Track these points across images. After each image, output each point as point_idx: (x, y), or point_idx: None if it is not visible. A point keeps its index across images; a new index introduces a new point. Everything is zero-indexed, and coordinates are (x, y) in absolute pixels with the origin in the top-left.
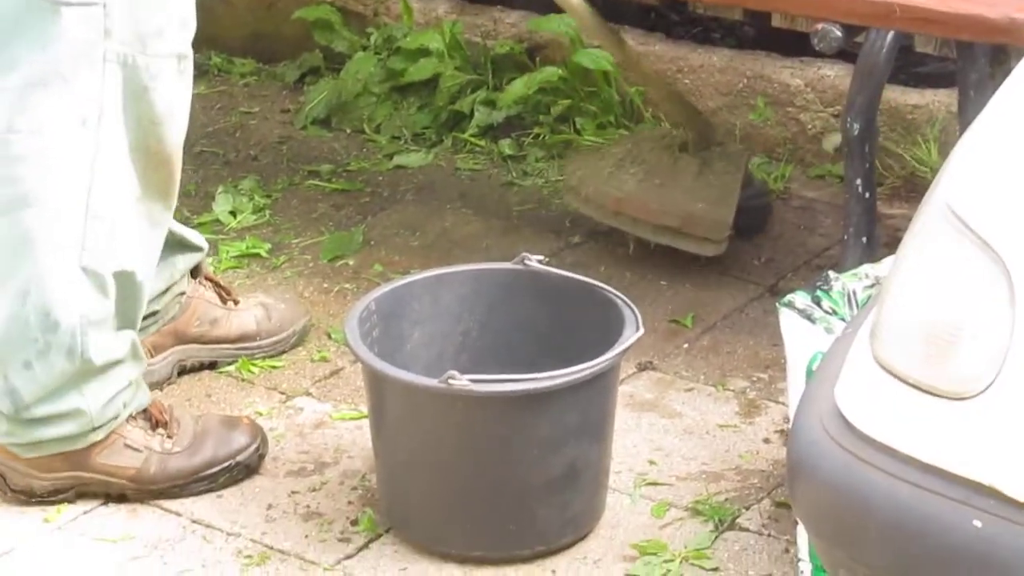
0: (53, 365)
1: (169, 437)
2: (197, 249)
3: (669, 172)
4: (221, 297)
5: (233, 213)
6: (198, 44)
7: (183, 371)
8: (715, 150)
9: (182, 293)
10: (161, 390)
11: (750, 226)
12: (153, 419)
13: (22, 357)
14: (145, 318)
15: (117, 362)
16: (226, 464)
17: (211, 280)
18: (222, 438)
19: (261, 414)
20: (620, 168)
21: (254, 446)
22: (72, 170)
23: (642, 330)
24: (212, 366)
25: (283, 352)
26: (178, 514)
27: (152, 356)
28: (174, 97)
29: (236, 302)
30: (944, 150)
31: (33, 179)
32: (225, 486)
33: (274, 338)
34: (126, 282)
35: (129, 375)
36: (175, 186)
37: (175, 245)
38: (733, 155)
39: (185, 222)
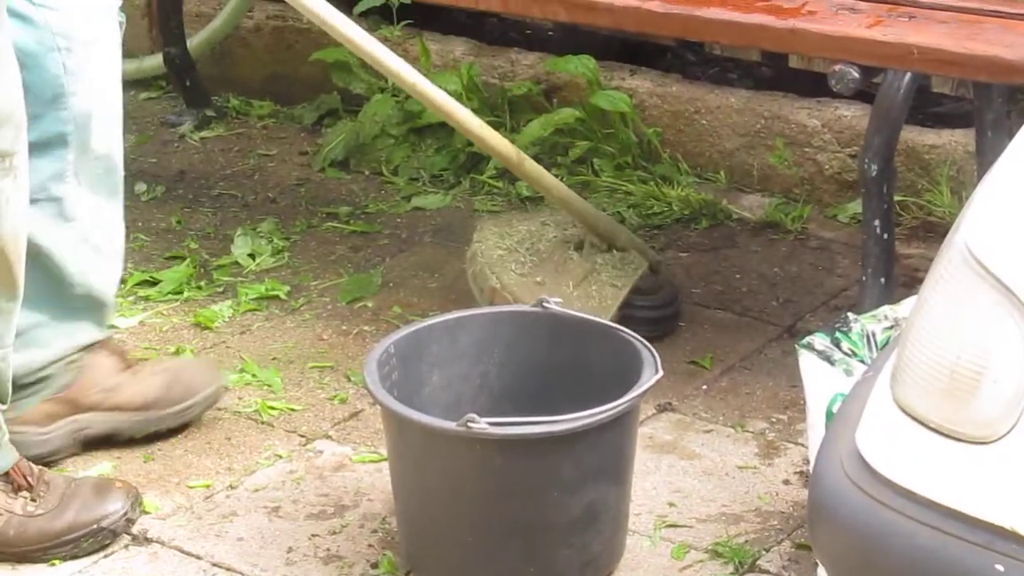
0: None
1: (33, 500)
2: (103, 329)
3: (554, 272)
4: (121, 363)
5: (252, 255)
6: (216, 86)
7: (89, 441)
8: (614, 255)
9: (75, 360)
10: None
11: (652, 335)
12: (15, 482)
13: None
14: (33, 384)
15: None
16: (89, 529)
17: (109, 348)
18: (88, 503)
19: (281, 457)
20: (512, 252)
21: (122, 512)
22: None
23: (661, 372)
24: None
25: (189, 421)
26: (199, 557)
27: (47, 424)
28: None
29: (135, 371)
30: (957, 191)
31: None
32: (90, 552)
33: (179, 406)
34: None
35: None
36: (13, 276)
37: (83, 311)
38: (629, 265)
39: (204, 264)
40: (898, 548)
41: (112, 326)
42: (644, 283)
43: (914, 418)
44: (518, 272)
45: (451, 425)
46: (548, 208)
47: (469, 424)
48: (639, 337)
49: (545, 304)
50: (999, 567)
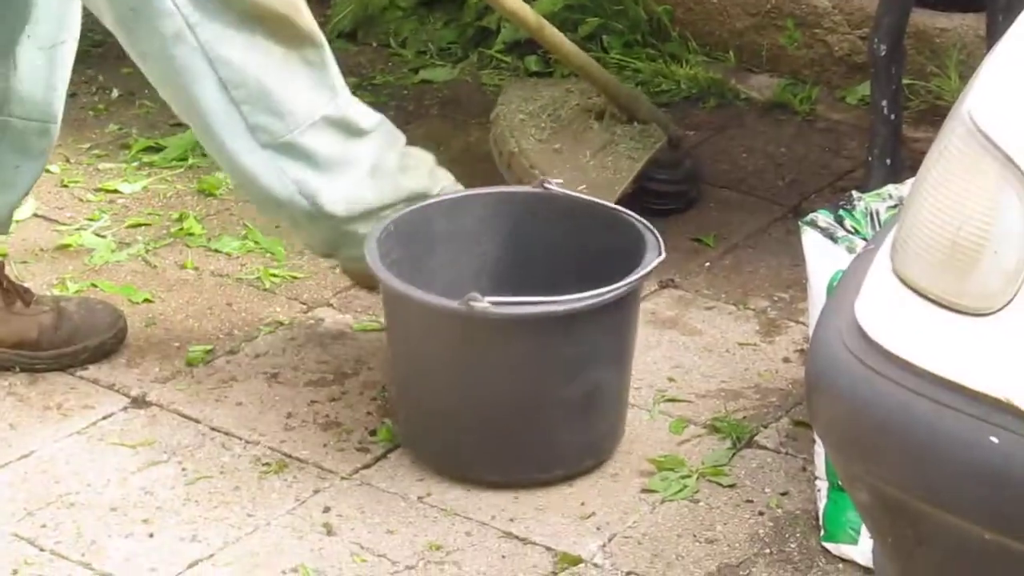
0: None
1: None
2: None
3: (573, 139)
4: (5, 297)
5: None
6: None
7: None
8: (634, 127)
9: None
10: None
11: (666, 209)
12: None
13: None
14: None
15: None
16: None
17: None
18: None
19: (282, 323)
20: (533, 117)
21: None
22: None
23: (664, 254)
24: None
25: (69, 367)
26: (197, 421)
27: None
28: None
29: (27, 304)
30: (967, 75)
31: None
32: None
33: (57, 351)
34: None
35: None
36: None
37: None
38: (648, 137)
39: None
40: (895, 419)
41: (116, 190)
42: (663, 156)
43: (914, 289)
44: (537, 138)
45: (452, 303)
46: (573, 77)
47: (471, 303)
48: (642, 219)
49: (547, 185)
50: (994, 439)
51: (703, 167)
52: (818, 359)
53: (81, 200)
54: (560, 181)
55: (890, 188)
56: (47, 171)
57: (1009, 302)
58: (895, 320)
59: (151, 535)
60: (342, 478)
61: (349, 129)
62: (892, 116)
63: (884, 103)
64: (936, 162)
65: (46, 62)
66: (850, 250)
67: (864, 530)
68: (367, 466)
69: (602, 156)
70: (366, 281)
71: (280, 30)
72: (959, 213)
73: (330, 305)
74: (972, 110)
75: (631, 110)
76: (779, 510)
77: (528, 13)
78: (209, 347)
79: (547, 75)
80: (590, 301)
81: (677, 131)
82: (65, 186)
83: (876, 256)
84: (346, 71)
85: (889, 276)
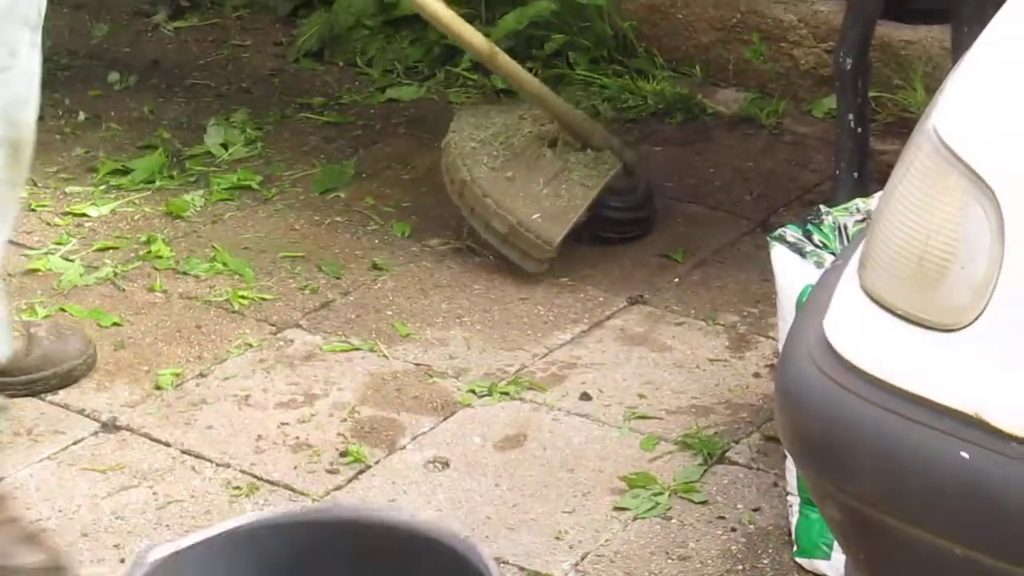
0: None
1: None
2: None
3: (526, 167)
4: None
5: (225, 146)
6: None
7: None
8: (588, 154)
9: None
10: None
11: (621, 237)
12: None
13: None
14: None
15: None
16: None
17: None
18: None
19: (251, 345)
20: (486, 145)
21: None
22: None
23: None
24: None
25: (40, 392)
26: (168, 444)
27: None
28: None
29: None
30: (933, 87)
31: None
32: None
33: (27, 377)
34: None
35: None
36: None
37: None
38: (602, 164)
39: (177, 154)
40: (864, 434)
41: (84, 213)
42: (618, 183)
43: (881, 305)
44: (490, 166)
45: None
46: (526, 102)
47: None
48: (480, 553)
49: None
50: (964, 454)
51: (658, 191)
52: (787, 375)
53: (49, 224)
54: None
55: (858, 202)
56: None
57: (977, 317)
58: (863, 335)
59: (122, 560)
60: (313, 500)
61: None
62: (859, 129)
63: (851, 116)
64: (902, 177)
65: None
66: (818, 265)
67: (836, 545)
68: (338, 488)
69: (556, 184)
70: None
71: None
72: (926, 228)
73: (299, 326)
74: (937, 125)
75: (585, 137)
76: (751, 526)
77: (480, 41)
78: (179, 370)
79: (513, 93)
80: None
81: (632, 157)
82: (33, 210)
83: (844, 271)
84: (313, 90)
85: (857, 291)
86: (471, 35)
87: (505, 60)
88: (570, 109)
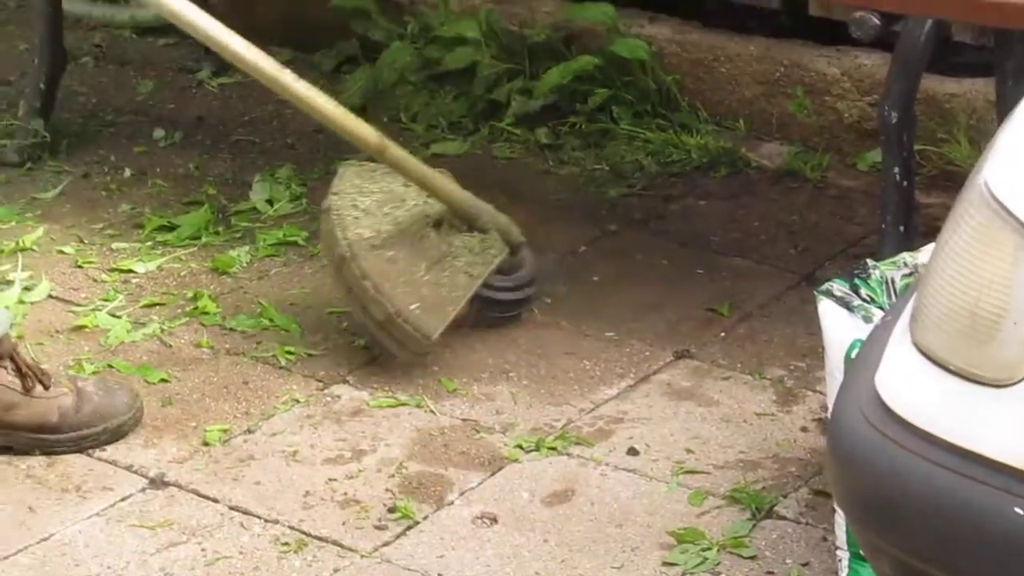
0: None
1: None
2: None
3: (409, 248)
4: (24, 381)
5: (270, 201)
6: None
7: None
8: (474, 237)
9: None
10: None
11: (502, 316)
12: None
13: None
14: None
15: None
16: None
17: (15, 361)
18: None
19: (298, 401)
20: (368, 215)
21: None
22: None
23: None
24: (8, 449)
25: (89, 448)
26: (216, 500)
27: None
28: None
29: (46, 387)
30: (977, 140)
31: None
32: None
33: (77, 433)
34: None
35: None
36: None
37: None
38: (488, 250)
39: (223, 210)
40: (917, 489)
41: (130, 269)
42: (502, 264)
43: (934, 361)
44: (371, 242)
45: None
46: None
47: None
48: None
49: None
50: (1018, 510)
51: (704, 237)
52: (839, 430)
53: (95, 280)
54: None
55: (905, 255)
56: (61, 252)
57: None
58: (915, 391)
59: None
60: (362, 556)
61: None
62: (904, 183)
63: (896, 170)
64: (953, 232)
65: None
66: (866, 319)
67: None
68: (386, 544)
69: (438, 271)
70: None
71: None
72: (977, 283)
73: (346, 382)
74: (989, 180)
75: (471, 219)
76: None
77: (370, 133)
78: (226, 426)
79: (557, 147)
80: None
81: (518, 238)
82: (79, 266)
83: (895, 326)
84: (357, 147)
85: (909, 347)
86: (359, 127)
87: (394, 152)
88: (458, 192)
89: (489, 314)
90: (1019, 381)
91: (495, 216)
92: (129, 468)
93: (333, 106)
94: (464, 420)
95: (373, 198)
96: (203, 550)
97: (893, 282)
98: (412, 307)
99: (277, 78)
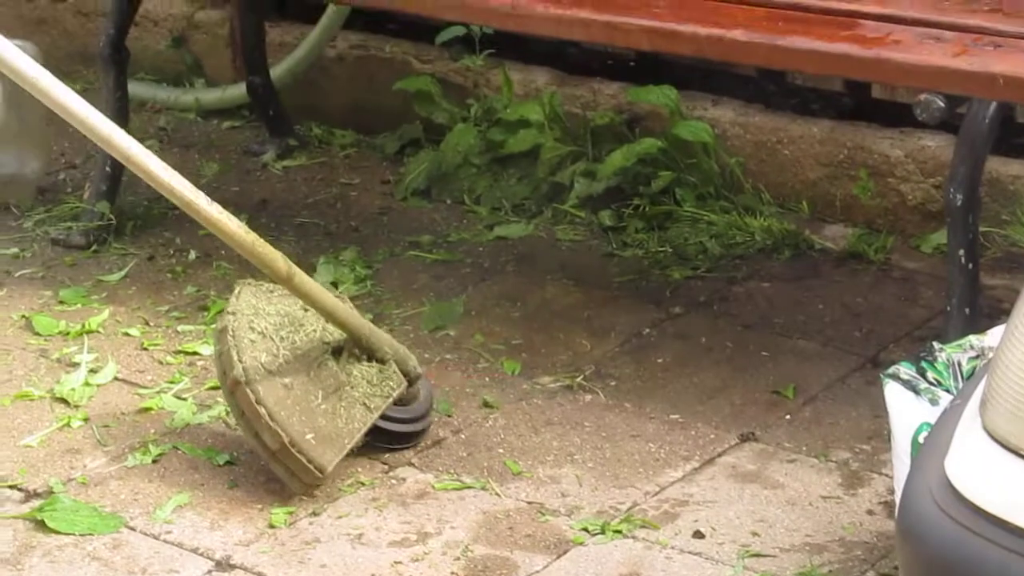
0: None
1: None
2: None
3: (306, 375)
4: None
5: (335, 284)
6: (299, 115)
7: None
8: (372, 367)
9: None
10: None
11: (396, 447)
12: None
13: None
14: None
15: None
16: None
17: None
18: None
19: (363, 484)
20: (265, 338)
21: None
22: None
23: None
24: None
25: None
26: None
27: None
28: None
29: None
30: None
31: None
32: None
33: None
34: None
35: None
36: None
37: None
38: (387, 382)
39: None
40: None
41: (195, 352)
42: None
43: (1005, 446)
44: (267, 367)
45: None
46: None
47: None
48: None
49: None
50: None
51: (768, 319)
52: (909, 515)
53: (161, 363)
54: None
55: (971, 338)
56: (126, 334)
57: None
58: (987, 476)
59: None
60: None
61: None
62: (970, 265)
63: (961, 252)
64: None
65: None
66: (933, 402)
67: None
68: None
69: (335, 400)
70: None
71: None
72: None
73: (411, 464)
74: None
75: (371, 349)
76: None
77: (278, 261)
78: (291, 508)
79: (620, 229)
80: None
81: (416, 370)
82: (145, 349)
83: (964, 411)
84: (421, 228)
85: (979, 432)
86: (271, 257)
87: (301, 280)
88: (361, 322)
89: (379, 444)
90: None
91: (395, 347)
92: (195, 551)
93: (244, 231)
94: (529, 503)
95: (270, 320)
96: None
97: (960, 365)
98: (307, 437)
99: (191, 202)
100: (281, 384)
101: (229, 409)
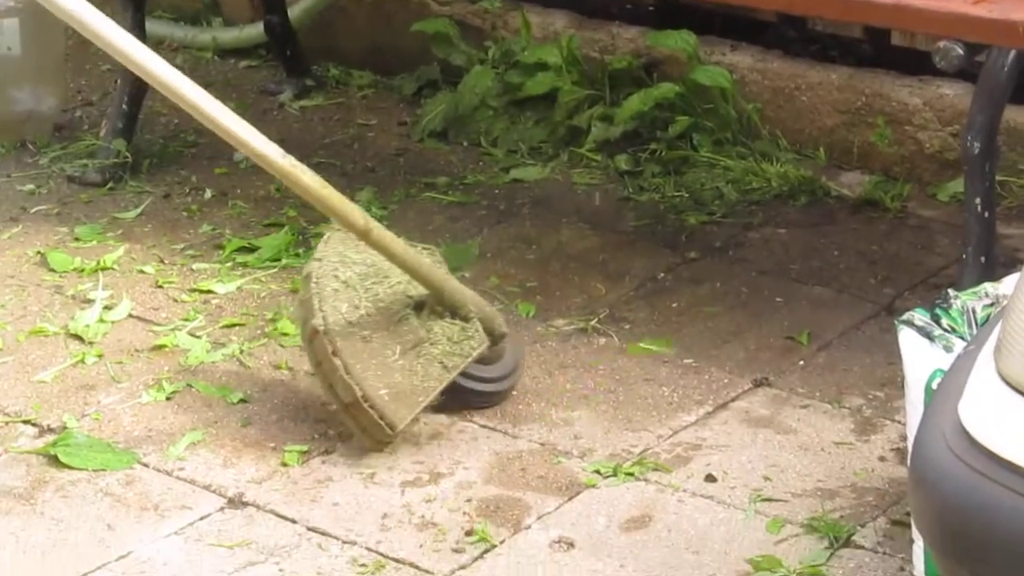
0: None
1: None
2: None
3: (385, 328)
4: None
5: None
6: (316, 56)
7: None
8: (455, 325)
9: None
10: None
11: (477, 406)
12: None
13: None
14: None
15: None
16: None
17: None
18: None
19: None
20: (348, 287)
21: None
22: None
23: None
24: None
25: None
26: (294, 521)
27: None
28: None
29: None
30: None
31: None
32: None
33: None
34: None
35: None
36: None
37: None
38: (468, 341)
39: (303, 232)
40: (1002, 521)
41: (210, 290)
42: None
43: (1019, 391)
44: (347, 317)
45: None
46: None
47: None
48: None
49: None
50: None
51: (783, 265)
52: (922, 460)
53: (175, 300)
54: None
55: (986, 286)
56: (141, 271)
57: None
58: (1001, 422)
59: None
60: None
61: None
62: (986, 213)
63: (978, 200)
64: None
65: None
66: (947, 349)
67: None
68: (463, 567)
69: (412, 356)
70: None
71: None
72: None
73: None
74: None
75: (454, 307)
76: None
77: (356, 214)
78: (305, 447)
79: (637, 174)
80: None
81: (502, 329)
82: (160, 286)
83: (978, 356)
84: (438, 170)
85: (993, 377)
86: (345, 207)
87: (380, 234)
88: (444, 279)
89: (460, 400)
90: None
91: (480, 305)
92: (208, 487)
93: (320, 185)
94: (542, 444)
95: (355, 270)
96: (281, 570)
97: (974, 312)
98: (380, 392)
99: (263, 154)
100: (360, 336)
101: (306, 354)
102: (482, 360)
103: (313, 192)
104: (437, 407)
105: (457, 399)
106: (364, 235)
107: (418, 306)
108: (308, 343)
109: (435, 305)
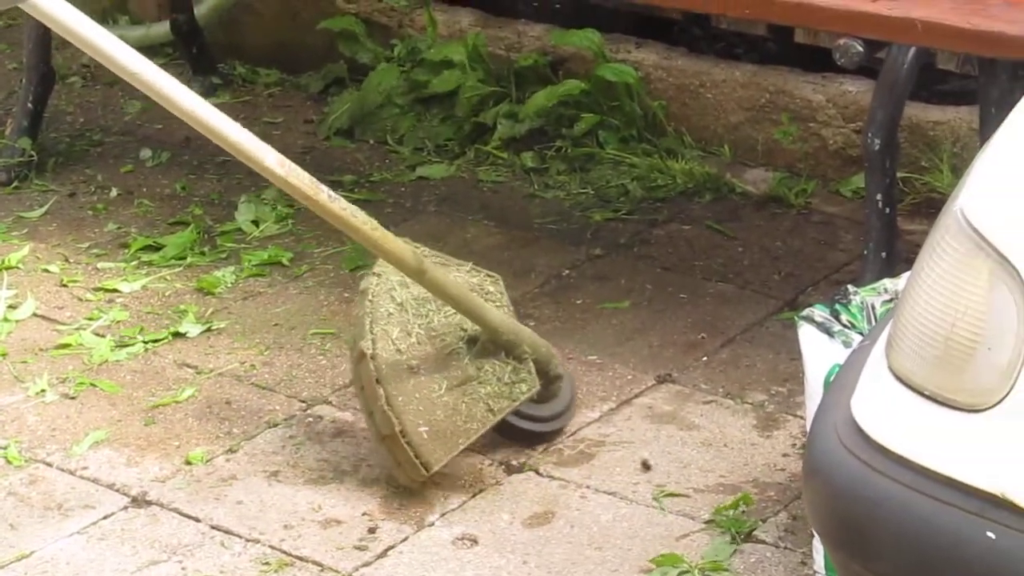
0: None
1: None
2: None
3: (434, 360)
4: None
5: (256, 222)
6: (223, 54)
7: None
8: (507, 365)
9: None
10: None
11: (526, 446)
12: None
13: None
14: None
15: None
16: None
17: None
18: None
19: (281, 421)
20: (402, 311)
21: None
22: None
23: None
24: None
25: None
26: (197, 520)
27: None
28: None
29: None
30: (961, 168)
31: None
32: None
33: None
34: None
35: None
36: None
37: None
38: (518, 384)
39: (208, 230)
40: (891, 514)
41: (115, 289)
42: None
43: (909, 385)
44: (397, 344)
45: None
46: (463, 266)
47: None
48: None
49: None
50: (990, 534)
51: (688, 263)
52: (815, 454)
53: (80, 299)
54: None
55: (886, 282)
56: (46, 270)
57: (1003, 398)
58: (891, 416)
59: None
60: None
61: None
62: (887, 209)
63: (879, 196)
64: (929, 259)
65: None
66: (846, 344)
67: None
68: (367, 564)
69: (458, 394)
70: None
71: None
72: (953, 310)
73: (328, 403)
74: (964, 207)
75: (508, 347)
76: None
77: (409, 256)
78: (209, 446)
79: (543, 171)
80: None
81: (556, 370)
82: (64, 285)
83: (872, 352)
84: (344, 168)
85: (884, 372)
86: (400, 252)
87: (433, 276)
88: (499, 318)
89: (504, 438)
90: (992, 406)
91: (536, 346)
92: (111, 486)
93: (370, 228)
94: None
95: (413, 291)
96: (184, 569)
97: (874, 308)
98: (420, 429)
99: (312, 198)
100: (407, 366)
101: (351, 376)
102: (535, 399)
103: (363, 234)
104: (348, 405)
105: (504, 435)
106: (418, 276)
107: (471, 340)
108: (355, 364)
109: (487, 342)
